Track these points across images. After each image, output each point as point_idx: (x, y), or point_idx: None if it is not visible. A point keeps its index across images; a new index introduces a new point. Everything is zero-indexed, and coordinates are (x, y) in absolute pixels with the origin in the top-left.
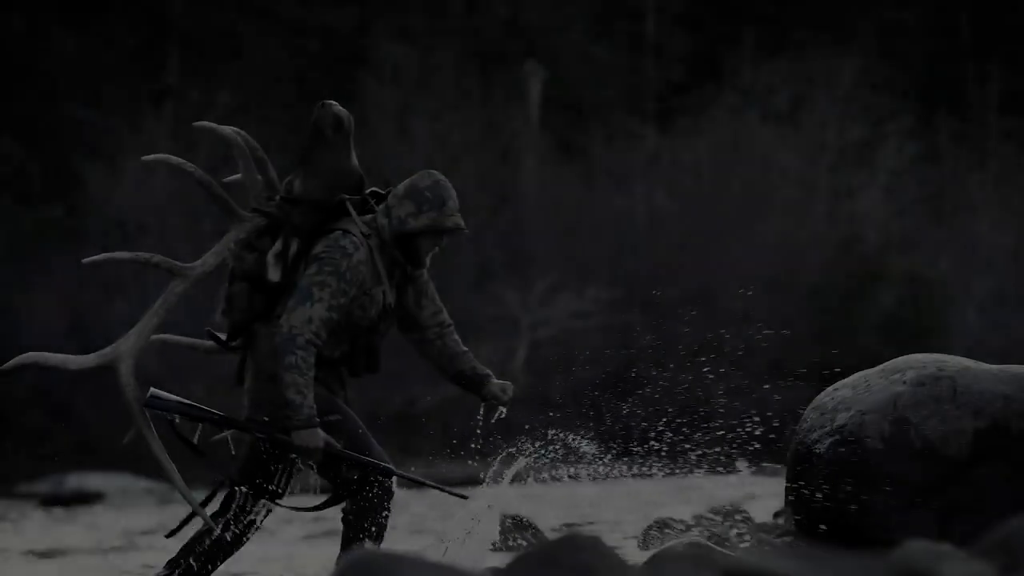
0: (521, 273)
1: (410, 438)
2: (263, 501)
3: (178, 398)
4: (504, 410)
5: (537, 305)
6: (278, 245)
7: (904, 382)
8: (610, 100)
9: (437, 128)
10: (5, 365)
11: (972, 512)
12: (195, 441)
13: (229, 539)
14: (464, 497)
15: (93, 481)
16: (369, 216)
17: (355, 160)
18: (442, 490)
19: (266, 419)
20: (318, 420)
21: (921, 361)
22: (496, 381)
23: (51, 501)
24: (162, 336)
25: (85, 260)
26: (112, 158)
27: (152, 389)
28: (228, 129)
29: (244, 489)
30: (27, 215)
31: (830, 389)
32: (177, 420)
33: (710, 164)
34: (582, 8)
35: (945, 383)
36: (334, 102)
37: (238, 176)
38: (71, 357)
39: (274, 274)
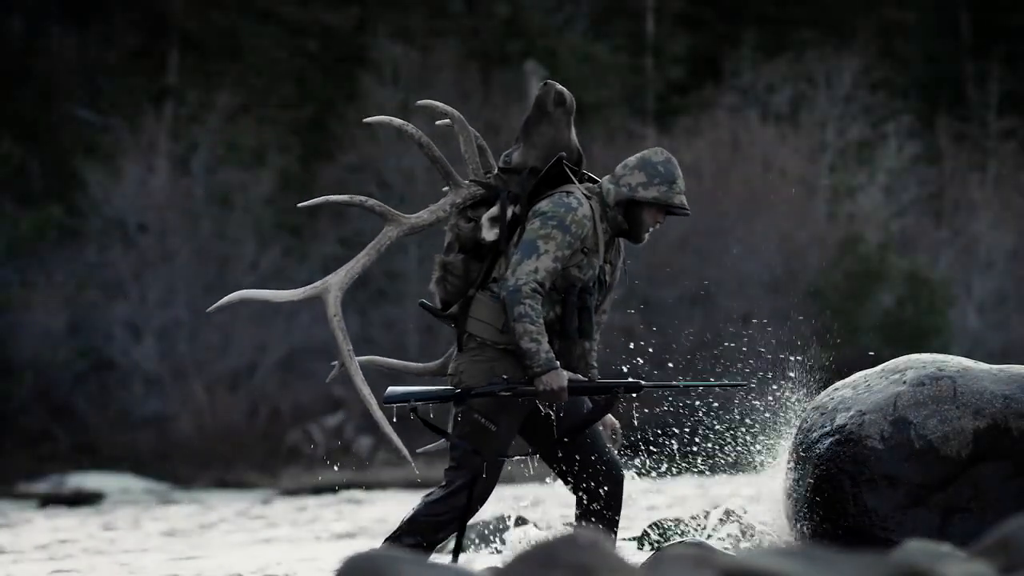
0: None
1: (411, 438)
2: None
3: (412, 388)
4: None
5: None
6: (494, 210)
7: (904, 382)
8: (610, 100)
9: (437, 129)
10: (217, 304)
11: (972, 512)
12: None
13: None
14: (743, 385)
15: (93, 481)
16: (590, 184)
17: (575, 137)
18: (715, 385)
19: (504, 376)
20: (557, 362)
21: (921, 361)
22: (608, 419)
23: (51, 501)
24: (371, 358)
25: (300, 204)
26: (112, 158)
27: (389, 388)
28: (448, 107)
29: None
30: (27, 215)
31: (830, 389)
32: (416, 406)
33: (710, 164)
34: (582, 8)
35: (945, 383)
36: (555, 82)
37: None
38: (279, 292)
39: (488, 234)
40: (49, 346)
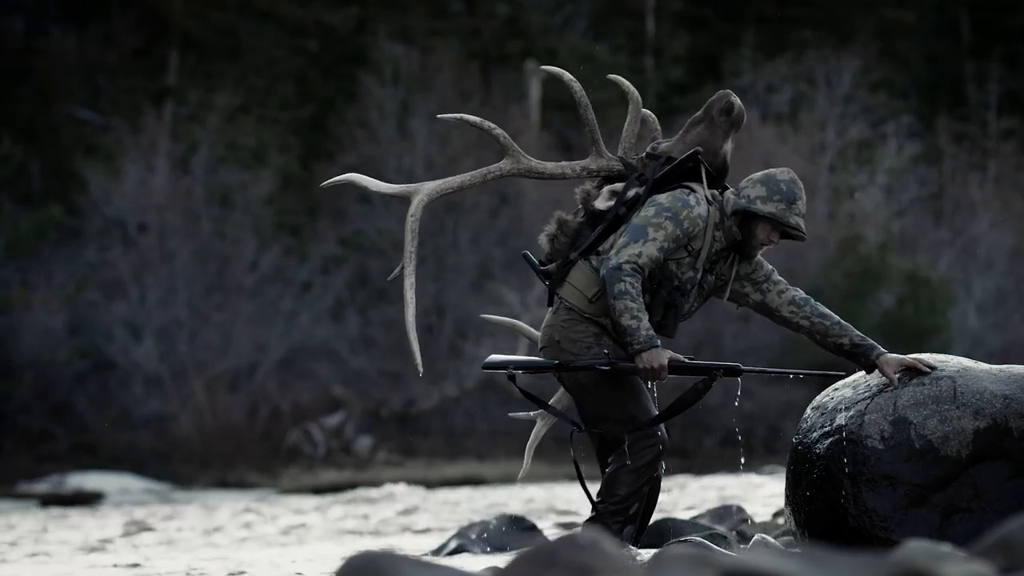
0: (521, 273)
1: (410, 438)
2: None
3: (512, 357)
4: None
5: (537, 305)
6: (619, 185)
7: (904, 382)
8: (610, 100)
9: (437, 128)
10: (329, 180)
11: (972, 512)
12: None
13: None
14: (839, 375)
15: (93, 481)
16: (715, 191)
17: (728, 147)
18: (805, 374)
19: (606, 352)
20: (658, 340)
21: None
22: (891, 356)
23: (51, 501)
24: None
25: (440, 115)
26: (112, 158)
27: (490, 356)
28: (632, 88)
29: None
30: (27, 215)
31: (830, 389)
32: (515, 374)
33: None
34: (582, 8)
35: (945, 383)
36: (733, 94)
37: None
38: (380, 183)
39: (601, 203)
40: (49, 346)
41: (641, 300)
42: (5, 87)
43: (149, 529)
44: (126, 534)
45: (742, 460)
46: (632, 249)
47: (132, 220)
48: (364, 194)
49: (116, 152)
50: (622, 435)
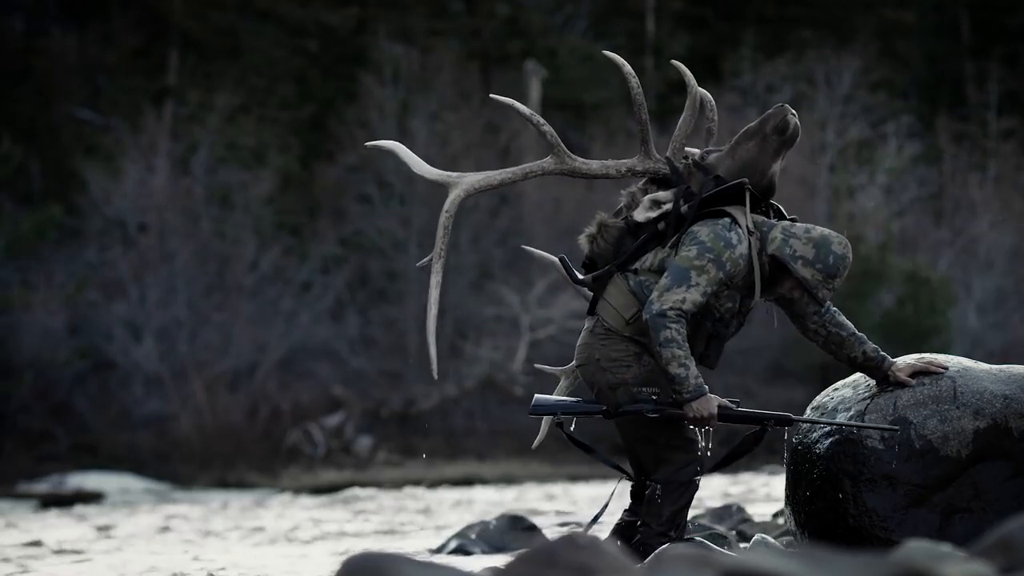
0: (521, 273)
1: (410, 438)
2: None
3: (559, 400)
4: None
5: (537, 305)
6: (662, 194)
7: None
8: (610, 100)
9: (437, 128)
10: (373, 143)
11: (972, 512)
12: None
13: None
14: (894, 429)
15: (93, 481)
16: (761, 218)
17: (777, 168)
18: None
19: (653, 395)
20: (706, 387)
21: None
22: (902, 363)
23: (51, 501)
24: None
25: (493, 95)
26: (112, 158)
27: (536, 396)
28: (695, 81)
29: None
30: (27, 215)
31: (830, 389)
32: (561, 419)
33: None
34: (582, 8)
35: (945, 383)
36: (792, 111)
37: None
38: (422, 163)
39: (639, 215)
40: (49, 346)
41: (687, 346)
42: (5, 87)
43: (148, 529)
44: (125, 534)
45: (784, 461)
46: (675, 295)
47: (132, 220)
48: (363, 196)
49: (116, 152)
50: (670, 456)
